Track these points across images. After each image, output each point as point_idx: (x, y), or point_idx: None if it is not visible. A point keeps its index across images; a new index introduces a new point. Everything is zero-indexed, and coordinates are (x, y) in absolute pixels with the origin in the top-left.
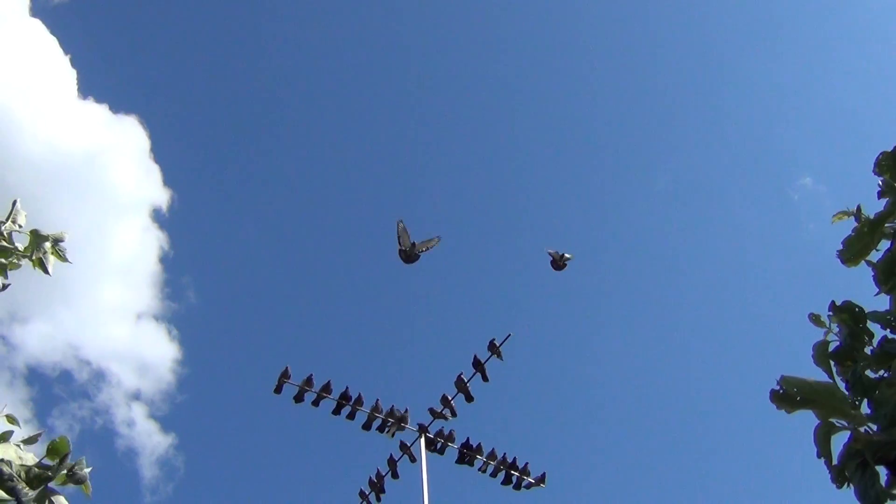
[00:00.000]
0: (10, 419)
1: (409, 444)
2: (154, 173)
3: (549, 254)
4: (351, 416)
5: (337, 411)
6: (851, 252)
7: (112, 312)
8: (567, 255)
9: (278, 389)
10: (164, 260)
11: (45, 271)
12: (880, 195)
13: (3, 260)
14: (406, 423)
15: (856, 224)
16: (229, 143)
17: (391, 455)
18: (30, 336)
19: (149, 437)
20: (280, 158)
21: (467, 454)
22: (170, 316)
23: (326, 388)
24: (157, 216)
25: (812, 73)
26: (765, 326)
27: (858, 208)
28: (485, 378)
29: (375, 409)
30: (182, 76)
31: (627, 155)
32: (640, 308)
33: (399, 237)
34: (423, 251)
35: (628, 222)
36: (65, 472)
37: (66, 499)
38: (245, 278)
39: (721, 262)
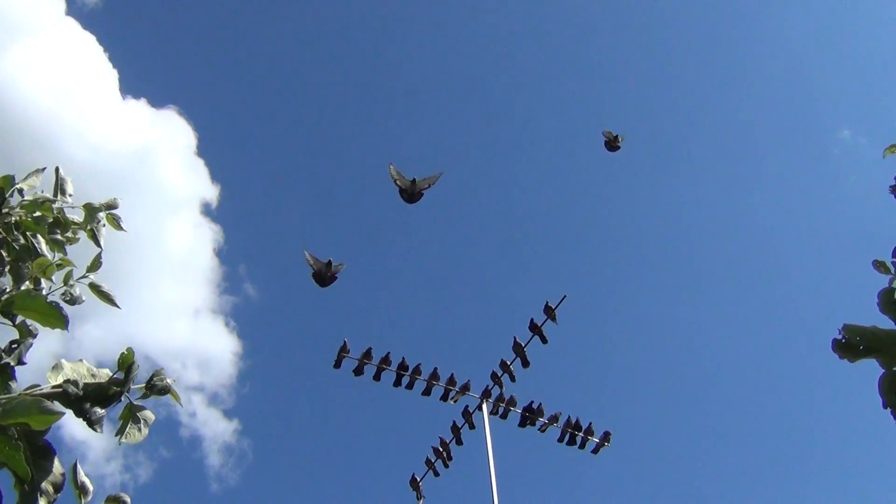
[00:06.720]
0: (65, 261)
1: (471, 411)
2: (200, 169)
3: (603, 134)
4: (410, 385)
5: (397, 382)
6: None
7: (170, 308)
8: (621, 137)
9: (338, 364)
10: (220, 254)
11: (97, 244)
12: None
13: (60, 237)
14: (468, 390)
15: None
16: (272, 134)
17: (454, 422)
18: (90, 334)
19: (213, 426)
20: (317, 143)
21: (529, 417)
22: (227, 309)
23: (385, 360)
24: (207, 211)
25: (845, 24)
26: (812, 282)
27: None
28: (543, 340)
29: (434, 377)
30: (220, 70)
31: (662, 117)
32: (689, 268)
33: (395, 179)
34: (426, 188)
35: (669, 186)
36: (143, 385)
37: (152, 412)
38: (298, 265)
39: (763, 223)
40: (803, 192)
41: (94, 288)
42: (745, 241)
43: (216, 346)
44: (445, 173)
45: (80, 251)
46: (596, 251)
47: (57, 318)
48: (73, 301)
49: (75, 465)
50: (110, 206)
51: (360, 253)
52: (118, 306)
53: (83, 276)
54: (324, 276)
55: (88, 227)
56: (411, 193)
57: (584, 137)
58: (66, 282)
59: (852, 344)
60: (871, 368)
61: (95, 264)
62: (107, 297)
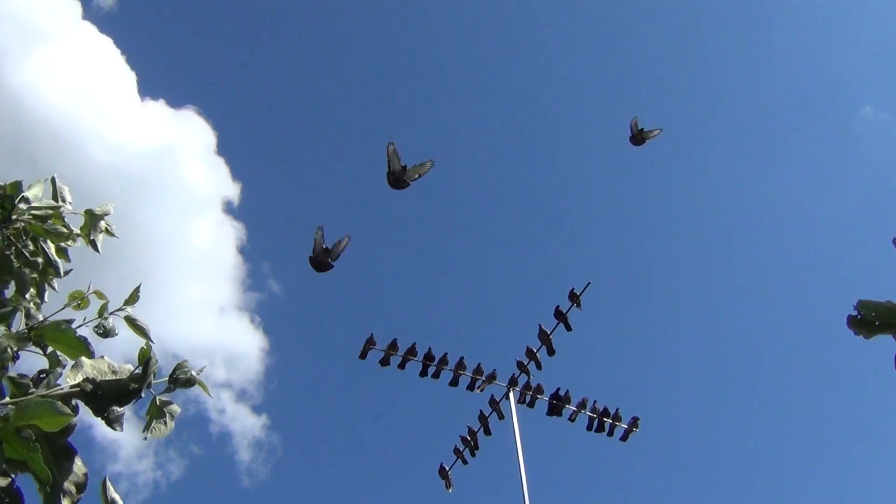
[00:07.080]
0: (99, 294)
1: (498, 400)
2: (221, 167)
3: (632, 124)
4: (436, 375)
5: (423, 373)
6: None
7: (196, 307)
8: (650, 130)
9: (363, 355)
10: (243, 251)
11: (96, 250)
12: None
13: (63, 244)
14: (495, 379)
15: None
16: (291, 131)
17: (481, 411)
18: (119, 336)
19: (243, 422)
20: (337, 138)
21: (557, 405)
22: (252, 306)
23: (411, 351)
24: (230, 209)
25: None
26: (834, 261)
27: None
28: (568, 328)
29: (460, 367)
30: (237, 69)
31: (684, 96)
32: (712, 248)
33: (389, 160)
34: (414, 178)
35: (691, 167)
36: (166, 379)
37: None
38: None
39: (787, 204)
40: (826, 169)
41: (130, 321)
42: (768, 220)
43: (243, 342)
44: (462, 164)
45: (79, 260)
46: (619, 235)
47: (85, 353)
48: (105, 334)
49: (105, 481)
50: (104, 213)
51: (383, 245)
52: (153, 341)
53: (119, 309)
54: (398, 178)
55: (90, 237)
56: (397, 178)
57: (610, 121)
58: (101, 314)
59: (867, 319)
60: (887, 344)
61: (133, 297)
62: (142, 332)
